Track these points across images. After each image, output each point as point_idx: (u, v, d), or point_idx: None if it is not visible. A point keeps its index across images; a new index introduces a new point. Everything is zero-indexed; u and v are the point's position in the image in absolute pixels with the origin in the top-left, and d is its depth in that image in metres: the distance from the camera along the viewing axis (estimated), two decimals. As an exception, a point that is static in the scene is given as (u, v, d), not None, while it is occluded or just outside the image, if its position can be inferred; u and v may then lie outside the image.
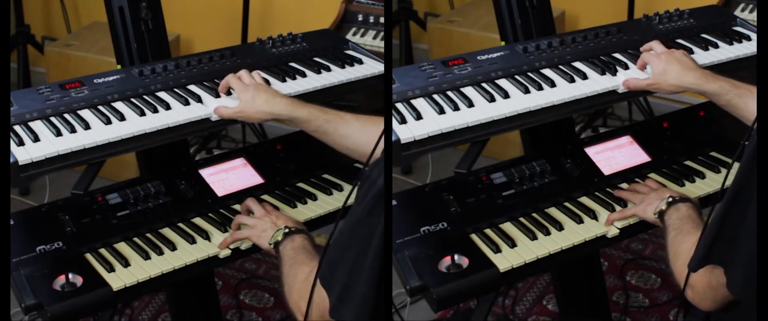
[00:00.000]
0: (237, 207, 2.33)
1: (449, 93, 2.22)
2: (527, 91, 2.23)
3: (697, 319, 2.05)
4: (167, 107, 2.27)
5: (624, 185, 2.32)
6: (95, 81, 2.33)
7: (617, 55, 2.40)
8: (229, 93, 2.33)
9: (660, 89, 2.25)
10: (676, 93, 2.25)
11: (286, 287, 1.98)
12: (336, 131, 2.14)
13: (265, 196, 2.38)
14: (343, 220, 1.81)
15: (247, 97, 2.24)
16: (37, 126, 2.17)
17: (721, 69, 2.38)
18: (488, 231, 2.16)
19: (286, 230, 2.10)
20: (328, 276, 1.82)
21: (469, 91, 2.24)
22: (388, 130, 2.00)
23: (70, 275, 2.03)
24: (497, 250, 2.08)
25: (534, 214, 2.21)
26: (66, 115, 2.21)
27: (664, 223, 2.10)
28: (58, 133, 2.14)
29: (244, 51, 2.62)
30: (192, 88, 2.39)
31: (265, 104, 2.22)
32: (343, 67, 2.58)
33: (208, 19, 4.15)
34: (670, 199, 2.12)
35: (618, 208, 2.23)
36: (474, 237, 2.13)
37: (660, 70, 2.23)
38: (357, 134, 2.11)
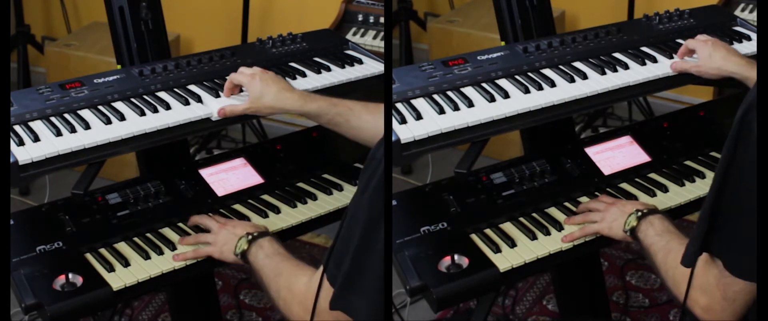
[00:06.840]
0: (237, 207, 2.33)
1: (449, 93, 2.22)
2: (527, 91, 2.23)
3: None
4: (167, 107, 2.27)
5: (624, 185, 2.32)
6: (95, 81, 2.33)
7: (617, 55, 2.40)
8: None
9: (704, 73, 2.29)
10: (718, 77, 2.28)
11: (281, 302, 1.87)
12: (347, 123, 2.14)
13: (265, 196, 2.38)
14: (347, 212, 1.73)
15: (256, 91, 2.19)
16: (37, 126, 2.17)
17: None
18: (488, 231, 2.16)
19: (250, 237, 2.03)
20: (336, 271, 1.73)
21: (469, 91, 2.24)
22: (388, 130, 2.00)
23: (70, 275, 2.02)
24: (497, 250, 2.08)
25: (534, 214, 2.21)
26: (66, 115, 2.21)
27: (642, 242, 1.99)
28: (58, 133, 2.14)
29: (244, 51, 2.62)
30: (192, 88, 2.39)
31: (275, 100, 2.18)
32: (343, 67, 2.58)
33: (208, 19, 4.15)
34: (639, 213, 2.03)
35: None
36: (474, 237, 2.13)
37: (706, 54, 2.27)
38: (368, 126, 2.10)
